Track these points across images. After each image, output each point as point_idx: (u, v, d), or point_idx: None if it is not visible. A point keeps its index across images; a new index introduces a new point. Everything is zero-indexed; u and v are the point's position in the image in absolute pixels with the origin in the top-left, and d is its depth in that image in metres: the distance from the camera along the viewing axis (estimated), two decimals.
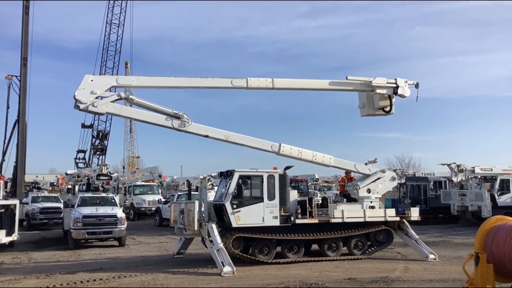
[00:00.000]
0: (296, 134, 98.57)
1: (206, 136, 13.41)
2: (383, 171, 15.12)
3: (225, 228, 13.08)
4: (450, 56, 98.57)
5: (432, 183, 28.12)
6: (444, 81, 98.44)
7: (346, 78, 14.63)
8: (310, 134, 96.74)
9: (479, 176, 26.16)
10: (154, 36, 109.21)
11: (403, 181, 28.81)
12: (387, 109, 14.86)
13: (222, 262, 12.04)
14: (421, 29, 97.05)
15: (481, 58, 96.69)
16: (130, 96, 13.00)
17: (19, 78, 26.86)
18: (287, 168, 14.34)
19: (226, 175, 13.86)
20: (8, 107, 28.87)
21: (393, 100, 14.83)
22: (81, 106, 12.27)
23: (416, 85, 15.02)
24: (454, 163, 26.35)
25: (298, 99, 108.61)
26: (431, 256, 14.04)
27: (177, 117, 12.97)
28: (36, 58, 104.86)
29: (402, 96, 14.70)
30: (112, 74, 45.08)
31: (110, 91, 12.90)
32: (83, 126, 44.60)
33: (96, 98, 12.36)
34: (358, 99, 15.39)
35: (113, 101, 12.65)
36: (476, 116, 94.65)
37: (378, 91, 14.64)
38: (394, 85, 14.65)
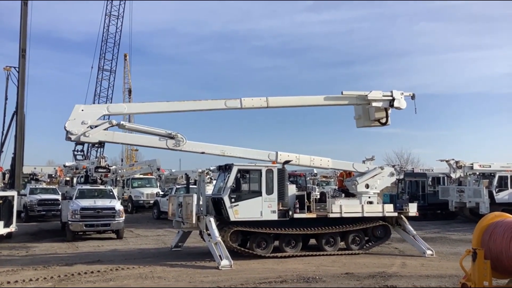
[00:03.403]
0: (293, 128, 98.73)
1: (202, 152, 13.51)
2: (381, 168, 15.16)
3: (223, 221, 13.09)
4: (453, 52, 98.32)
5: (430, 179, 28.15)
6: (446, 77, 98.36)
7: (342, 93, 14.70)
8: (307, 129, 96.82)
9: (477, 173, 26.20)
10: (155, 29, 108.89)
11: (401, 176, 28.85)
12: (383, 120, 14.94)
13: (219, 256, 12.06)
14: (425, 25, 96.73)
15: (484, 54, 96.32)
16: (121, 122, 12.99)
17: (17, 69, 26.71)
18: (286, 162, 14.33)
19: (225, 169, 13.85)
20: (6, 99, 28.73)
21: (389, 112, 14.90)
22: (73, 138, 12.29)
23: (413, 97, 15.08)
24: (453, 159, 26.41)
25: (297, 93, 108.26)
26: (429, 252, 14.08)
27: (171, 137, 12.97)
28: (36, 49, 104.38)
29: (398, 108, 14.78)
30: (111, 67, 44.99)
31: (104, 118, 12.83)
32: None
33: (88, 127, 12.30)
34: (353, 111, 15.46)
35: (105, 129, 12.62)
36: (477, 112, 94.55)
37: (374, 104, 14.71)
38: (390, 98, 14.73)
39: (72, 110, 12.39)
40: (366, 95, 14.62)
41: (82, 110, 12.46)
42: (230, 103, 13.64)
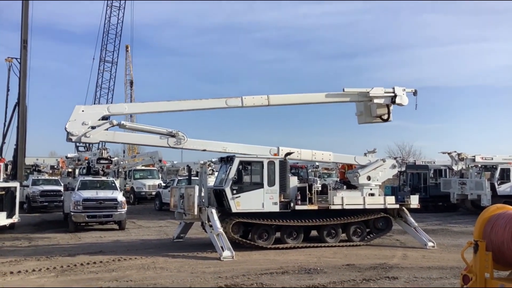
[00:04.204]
0: (297, 120, 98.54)
1: (204, 150, 13.64)
2: (383, 160, 15.17)
3: (225, 213, 13.11)
4: (457, 44, 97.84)
5: (432, 171, 28.16)
6: (450, 69, 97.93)
7: (343, 90, 14.70)
8: (310, 121, 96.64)
9: (479, 165, 26.19)
10: (158, 21, 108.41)
11: (403, 169, 28.85)
12: (385, 117, 14.93)
13: (221, 247, 12.10)
14: (429, 17, 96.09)
15: (488, 46, 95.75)
16: (122, 122, 13.04)
17: (19, 60, 26.67)
18: (288, 154, 14.33)
19: (227, 160, 13.86)
20: (8, 90, 28.73)
21: (391, 108, 14.88)
22: (73, 139, 12.33)
23: (415, 93, 15.07)
24: (455, 151, 26.39)
25: (299, 85, 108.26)
26: (430, 244, 14.11)
27: (172, 136, 13.04)
28: (38, 40, 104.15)
29: (400, 105, 14.77)
30: (112, 58, 44.92)
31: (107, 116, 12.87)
32: None
33: (89, 128, 12.32)
34: (355, 107, 15.45)
35: (105, 129, 12.65)
36: (479, 105, 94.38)
37: (375, 101, 14.69)
38: (392, 94, 14.72)
39: (73, 111, 12.44)
40: (368, 92, 14.62)
41: (83, 111, 12.51)
42: (231, 102, 13.71)
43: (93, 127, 12.45)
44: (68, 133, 12.26)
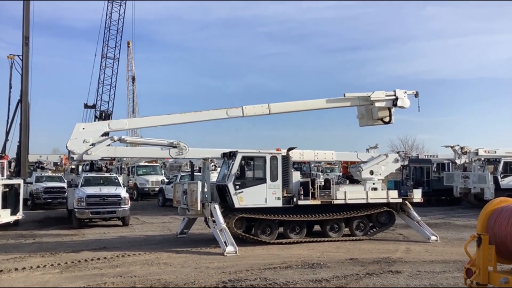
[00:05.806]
0: (300, 115, 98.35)
1: (206, 158, 13.76)
2: (386, 155, 15.18)
3: (228, 208, 13.13)
4: (461, 36, 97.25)
5: (435, 165, 28.13)
6: (453, 62, 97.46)
7: (344, 95, 14.69)
8: (312, 116, 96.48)
9: (482, 159, 26.13)
10: (161, 16, 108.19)
11: (406, 163, 28.81)
12: (387, 119, 14.95)
13: (225, 242, 12.14)
14: (433, 9, 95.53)
15: (492, 38, 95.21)
16: (122, 137, 13.27)
17: (21, 57, 26.65)
18: (290, 149, 14.33)
19: (229, 156, 13.87)
20: (10, 87, 28.73)
21: (393, 110, 14.87)
22: (75, 157, 12.51)
23: (416, 94, 15.09)
24: (458, 145, 26.32)
25: (303, 79, 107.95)
26: (433, 238, 14.12)
27: (174, 146, 13.20)
28: (41, 37, 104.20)
29: (402, 107, 14.78)
30: (114, 54, 44.74)
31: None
32: (86, 106, 44.38)
33: (90, 145, 12.43)
34: (356, 110, 15.45)
35: (107, 145, 12.78)
36: (483, 98, 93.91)
37: (377, 104, 14.70)
38: (393, 97, 14.73)
39: (73, 129, 12.57)
40: (369, 96, 14.68)
41: (83, 129, 12.69)
42: (231, 112, 13.79)
43: (94, 144, 12.56)
44: (69, 151, 12.47)
